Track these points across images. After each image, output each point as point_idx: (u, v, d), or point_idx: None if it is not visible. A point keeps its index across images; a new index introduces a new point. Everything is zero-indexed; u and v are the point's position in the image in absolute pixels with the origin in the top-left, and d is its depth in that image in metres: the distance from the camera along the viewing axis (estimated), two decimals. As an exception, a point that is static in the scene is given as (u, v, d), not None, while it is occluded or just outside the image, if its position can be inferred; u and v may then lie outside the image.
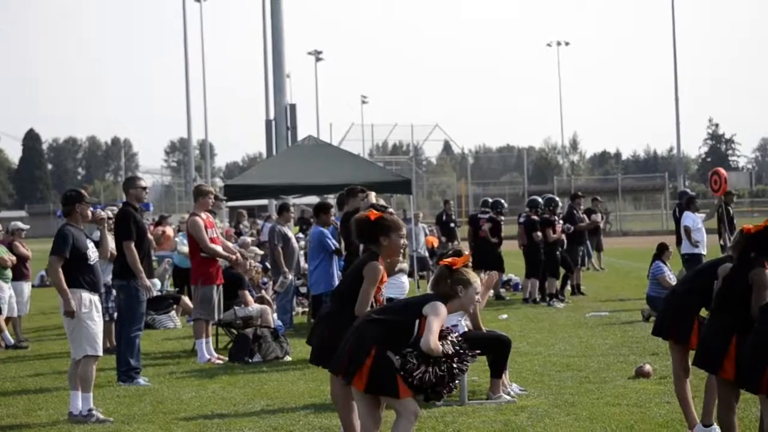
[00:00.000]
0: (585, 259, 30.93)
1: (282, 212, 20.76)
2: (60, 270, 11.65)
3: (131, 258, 14.01)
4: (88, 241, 12.09)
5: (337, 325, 8.97)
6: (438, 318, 8.01)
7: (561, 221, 24.64)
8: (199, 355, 15.91)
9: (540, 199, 25.04)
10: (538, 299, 23.87)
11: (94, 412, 11.54)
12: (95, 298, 11.89)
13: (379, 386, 7.97)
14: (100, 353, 11.95)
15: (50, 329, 21.19)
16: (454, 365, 7.97)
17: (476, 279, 8.46)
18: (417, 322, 8.05)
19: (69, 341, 11.96)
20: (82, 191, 12.35)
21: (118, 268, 14.31)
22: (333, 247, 17.07)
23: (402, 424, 7.95)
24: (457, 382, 8.16)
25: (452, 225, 34.53)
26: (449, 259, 8.47)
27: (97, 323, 11.83)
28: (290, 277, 19.60)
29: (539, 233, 23.89)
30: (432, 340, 7.87)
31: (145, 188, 14.49)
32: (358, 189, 15.01)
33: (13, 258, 19.00)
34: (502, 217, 25.85)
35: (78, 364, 11.73)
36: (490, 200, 26.81)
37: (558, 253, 23.73)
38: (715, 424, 9.56)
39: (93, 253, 11.99)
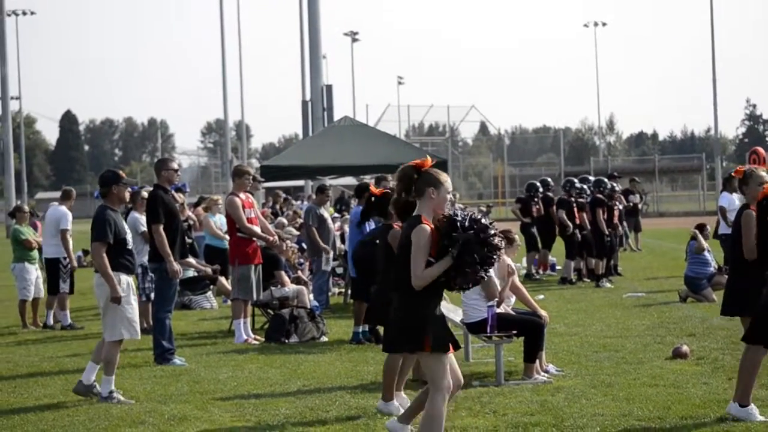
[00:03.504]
0: (622, 240, 30.80)
1: (318, 194, 20.75)
2: (105, 256, 11.62)
3: (159, 241, 13.99)
4: (125, 224, 12.13)
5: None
6: (419, 247, 7.87)
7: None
8: (237, 336, 15.93)
9: (575, 180, 24.88)
10: (574, 280, 23.77)
11: (114, 394, 11.53)
12: (131, 279, 11.95)
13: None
14: (138, 337, 12.03)
15: (88, 309, 21.28)
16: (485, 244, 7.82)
17: (447, 179, 8.15)
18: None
19: (102, 323, 11.95)
20: (120, 172, 12.28)
21: (152, 251, 14.37)
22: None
23: (435, 398, 8.04)
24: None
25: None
26: (418, 161, 8.23)
27: (133, 306, 11.88)
28: (331, 252, 19.63)
29: (565, 215, 23.80)
30: (419, 277, 7.84)
31: (176, 170, 14.44)
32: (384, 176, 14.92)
33: (39, 239, 19.12)
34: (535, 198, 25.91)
35: (109, 345, 11.76)
36: (542, 182, 26.59)
37: (608, 234, 23.50)
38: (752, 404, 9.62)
39: (130, 237, 12.04)
